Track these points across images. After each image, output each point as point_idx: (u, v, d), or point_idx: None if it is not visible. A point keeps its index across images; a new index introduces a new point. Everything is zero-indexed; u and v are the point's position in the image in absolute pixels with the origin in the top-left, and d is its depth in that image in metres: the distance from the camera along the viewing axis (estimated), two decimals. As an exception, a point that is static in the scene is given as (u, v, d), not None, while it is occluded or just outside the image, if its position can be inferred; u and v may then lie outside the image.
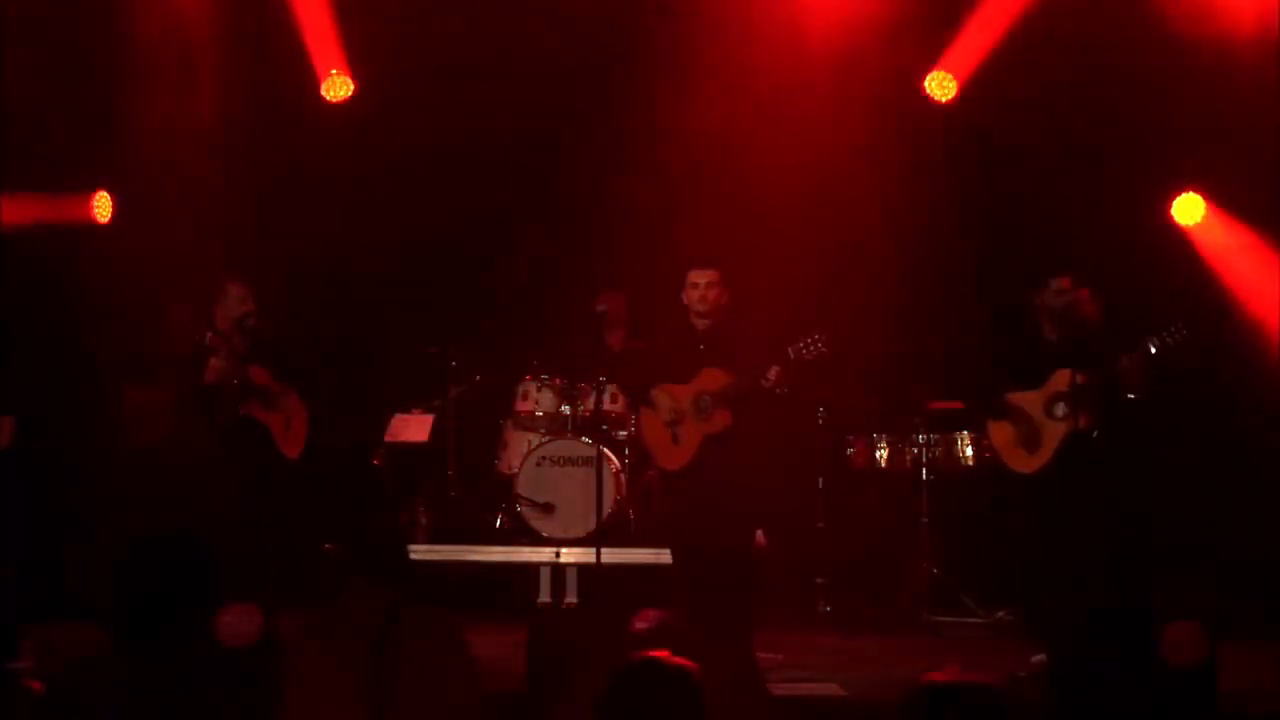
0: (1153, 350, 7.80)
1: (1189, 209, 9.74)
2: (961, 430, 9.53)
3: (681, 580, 8.17)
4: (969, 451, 9.49)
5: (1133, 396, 7.99)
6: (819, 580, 9.54)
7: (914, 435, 9.60)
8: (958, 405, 9.49)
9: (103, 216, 10.55)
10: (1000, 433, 8.36)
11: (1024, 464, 8.25)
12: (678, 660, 3.66)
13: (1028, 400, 8.21)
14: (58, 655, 7.31)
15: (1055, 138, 9.89)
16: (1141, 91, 9.71)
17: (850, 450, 9.76)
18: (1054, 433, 8.11)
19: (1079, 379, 7.94)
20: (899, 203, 10.14)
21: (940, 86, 10.24)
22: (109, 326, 9.98)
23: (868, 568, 9.71)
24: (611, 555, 8.84)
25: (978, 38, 10.05)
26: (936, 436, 9.58)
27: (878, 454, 9.72)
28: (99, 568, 8.40)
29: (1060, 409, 8.08)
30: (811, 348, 7.82)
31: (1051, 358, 8.17)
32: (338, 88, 10.70)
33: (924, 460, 9.57)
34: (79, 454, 9.78)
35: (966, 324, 9.64)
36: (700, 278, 8.21)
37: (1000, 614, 9.24)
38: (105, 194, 10.53)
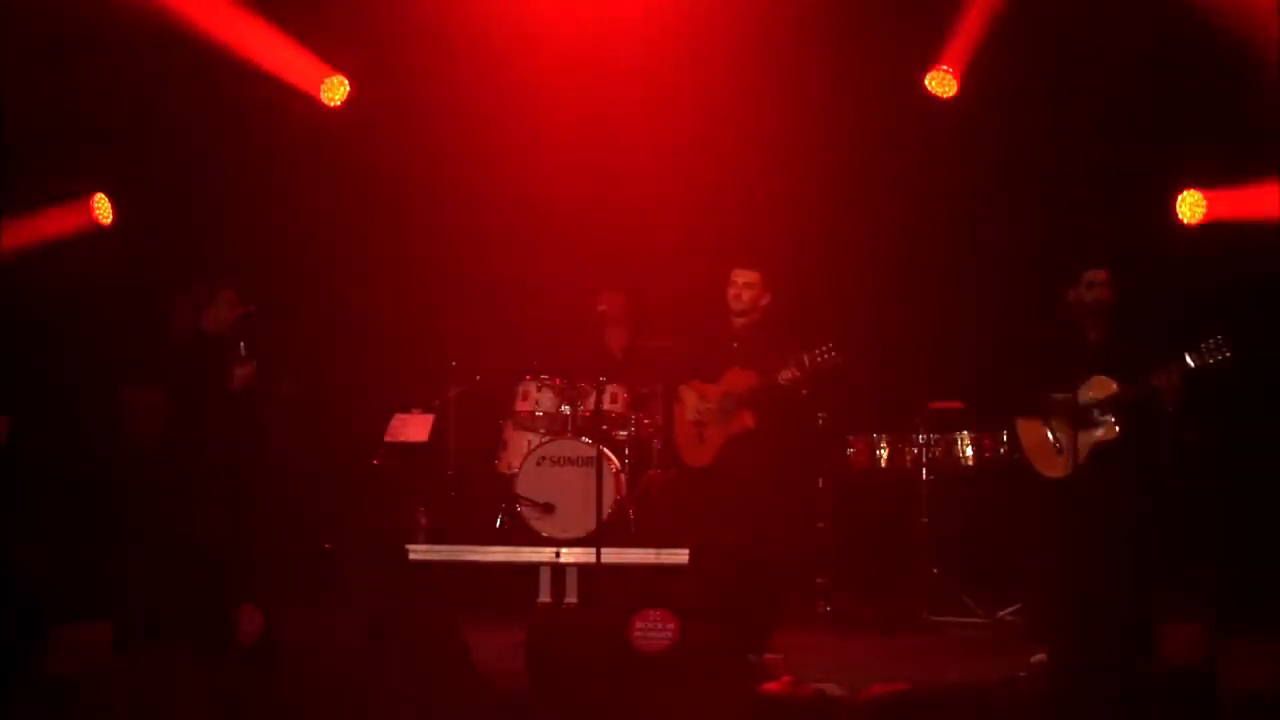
0: (1191, 365, 7.76)
1: (1192, 206, 9.75)
2: (961, 430, 9.52)
3: (700, 579, 8.22)
4: (969, 451, 9.48)
5: (1170, 410, 7.95)
6: (819, 580, 9.53)
7: (914, 435, 9.59)
8: (957, 405, 9.49)
9: (105, 219, 10.55)
10: (1031, 434, 8.26)
11: (1052, 468, 8.17)
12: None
13: (1064, 403, 8.11)
14: (56, 655, 7.34)
15: (1062, 133, 9.91)
16: (1147, 87, 9.72)
17: (851, 450, 9.75)
18: (1085, 439, 8.01)
19: (1116, 389, 7.90)
20: (908, 201, 10.18)
21: (941, 84, 10.25)
22: (105, 326, 9.99)
23: (868, 567, 9.71)
24: (611, 555, 8.83)
25: (975, 34, 10.06)
26: (936, 436, 9.57)
27: (878, 454, 9.71)
28: (97, 569, 8.46)
29: (1096, 416, 8.01)
30: (824, 355, 7.97)
31: (1092, 362, 8.08)
32: (335, 90, 10.71)
33: (924, 460, 9.56)
34: (75, 454, 9.76)
35: (996, 320, 9.60)
36: (740, 277, 8.38)
37: (1001, 614, 9.24)
38: (104, 196, 10.52)
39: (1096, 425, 7.98)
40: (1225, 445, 9.33)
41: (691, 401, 8.41)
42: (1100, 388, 7.99)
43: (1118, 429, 7.93)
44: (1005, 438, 9.15)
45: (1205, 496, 9.21)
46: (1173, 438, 8.23)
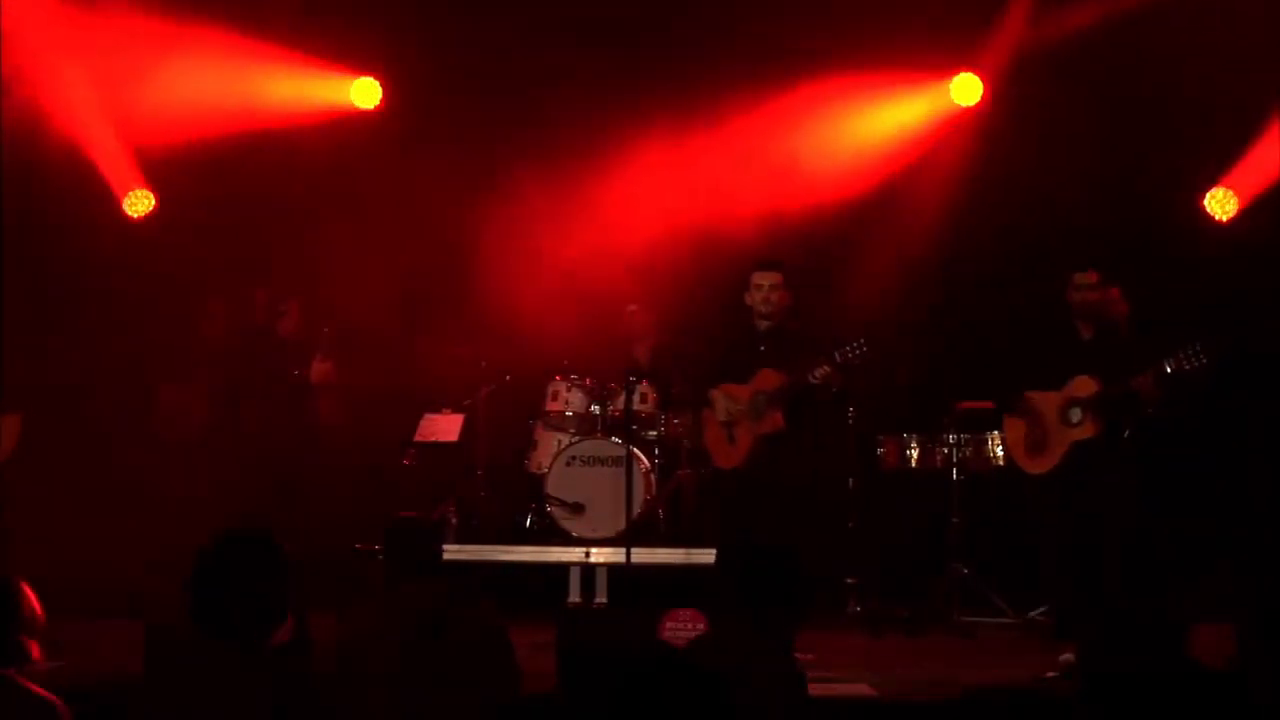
0: (1168, 371, 7.83)
1: (1221, 203, 9.70)
2: (992, 430, 9.49)
3: (728, 580, 8.21)
4: (999, 451, 9.45)
5: (1150, 412, 8.03)
6: (849, 580, 9.52)
7: (944, 435, 9.58)
8: (988, 405, 9.47)
9: (135, 212, 10.57)
10: (1013, 431, 8.39)
11: (1032, 465, 8.31)
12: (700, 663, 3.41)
13: (1046, 401, 8.23)
14: (87, 652, 7.39)
15: (1088, 134, 9.88)
16: (1174, 86, 9.68)
17: (881, 450, 9.74)
18: (1064, 437, 8.14)
19: (1096, 388, 7.97)
20: (934, 204, 10.18)
21: (967, 90, 10.28)
22: (142, 324, 10.05)
23: (898, 568, 9.69)
24: (641, 555, 8.83)
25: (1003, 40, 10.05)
26: (967, 436, 9.55)
27: (908, 454, 9.69)
28: (129, 565, 8.50)
29: (1075, 415, 8.09)
30: (855, 351, 7.97)
31: (1079, 360, 8.16)
32: (366, 94, 10.74)
33: (954, 460, 9.54)
34: (110, 451, 9.82)
35: (999, 320, 9.62)
36: (764, 279, 8.37)
37: (1031, 613, 9.21)
38: (146, 191, 10.55)
39: (1076, 424, 8.05)
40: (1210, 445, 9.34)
41: (721, 403, 8.41)
42: (1082, 387, 8.09)
43: (1097, 428, 7.99)
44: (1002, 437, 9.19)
45: (1192, 494, 9.21)
46: (1152, 438, 8.27)
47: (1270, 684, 4.49)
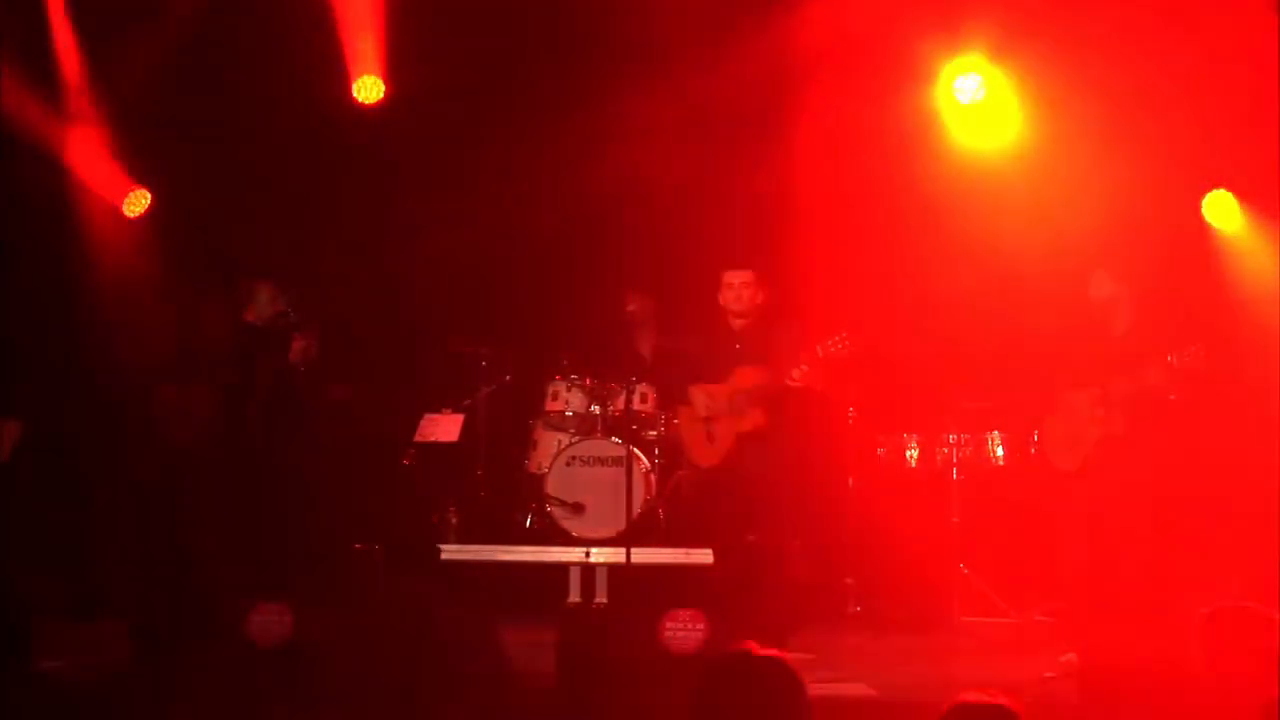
0: (1173, 365, 7.85)
1: (1219, 207, 9.66)
2: (993, 430, 9.51)
3: (717, 577, 8.23)
4: (1000, 451, 9.47)
5: (1170, 400, 8.04)
6: (848, 580, 9.52)
7: (945, 435, 9.58)
8: (988, 405, 9.48)
9: (133, 211, 10.56)
10: (1051, 428, 8.40)
11: (1064, 460, 8.30)
12: (771, 652, 3.53)
13: (1076, 397, 8.23)
14: (85, 655, 7.40)
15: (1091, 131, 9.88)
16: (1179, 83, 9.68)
17: (881, 450, 9.75)
18: (1089, 433, 8.14)
19: (1116, 383, 7.99)
20: (934, 201, 10.17)
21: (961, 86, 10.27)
22: (138, 325, 10.04)
23: (898, 568, 9.69)
24: (641, 555, 8.83)
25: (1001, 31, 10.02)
26: (967, 436, 9.55)
27: (908, 454, 9.70)
28: (128, 568, 8.51)
29: (1098, 410, 8.11)
30: (837, 345, 7.93)
31: (1107, 356, 8.18)
32: (369, 90, 10.71)
33: (954, 460, 9.55)
34: (108, 454, 9.82)
35: (1026, 319, 9.60)
36: (735, 278, 8.35)
37: (1031, 614, 9.21)
38: (145, 191, 10.54)
39: (1100, 419, 8.07)
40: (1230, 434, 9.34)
41: (701, 400, 8.41)
42: (1105, 381, 8.10)
43: (1119, 423, 8.01)
44: (1036, 436, 9.17)
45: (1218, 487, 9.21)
46: (1173, 431, 8.28)
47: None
